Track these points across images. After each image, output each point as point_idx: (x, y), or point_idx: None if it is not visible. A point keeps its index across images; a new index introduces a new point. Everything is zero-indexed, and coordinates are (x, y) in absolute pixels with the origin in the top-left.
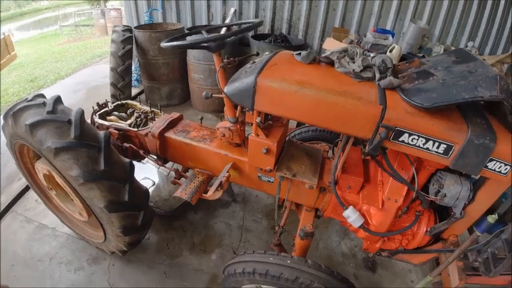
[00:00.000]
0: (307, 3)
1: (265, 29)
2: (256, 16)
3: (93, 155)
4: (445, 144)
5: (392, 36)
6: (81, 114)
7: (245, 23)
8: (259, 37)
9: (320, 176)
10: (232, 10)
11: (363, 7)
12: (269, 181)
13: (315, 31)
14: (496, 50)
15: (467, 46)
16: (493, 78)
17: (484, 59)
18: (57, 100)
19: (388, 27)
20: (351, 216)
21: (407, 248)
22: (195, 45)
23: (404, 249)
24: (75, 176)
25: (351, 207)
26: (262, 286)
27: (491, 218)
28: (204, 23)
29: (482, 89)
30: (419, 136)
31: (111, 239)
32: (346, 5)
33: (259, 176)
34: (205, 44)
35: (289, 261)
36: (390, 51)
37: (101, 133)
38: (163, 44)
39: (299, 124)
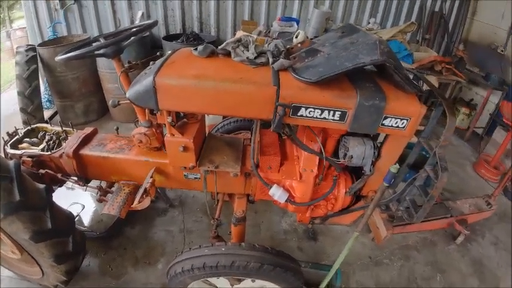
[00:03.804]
0: None
1: (177, 28)
2: (166, 17)
3: (6, 186)
4: (339, 111)
5: (297, 23)
6: None
7: (140, 25)
8: (171, 38)
9: (243, 163)
10: (139, 13)
11: None
12: (196, 178)
13: (227, 26)
14: (397, 23)
15: (369, 23)
16: (373, 44)
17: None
18: None
19: (295, 15)
20: (276, 193)
21: (334, 211)
22: (89, 54)
23: (333, 213)
24: None
25: (274, 185)
26: (208, 279)
27: (393, 168)
28: (112, 29)
29: (363, 55)
30: (314, 108)
31: (47, 271)
32: None
33: (185, 175)
34: (100, 52)
35: (223, 249)
36: (296, 37)
37: (11, 162)
38: (58, 58)
39: (225, 117)
